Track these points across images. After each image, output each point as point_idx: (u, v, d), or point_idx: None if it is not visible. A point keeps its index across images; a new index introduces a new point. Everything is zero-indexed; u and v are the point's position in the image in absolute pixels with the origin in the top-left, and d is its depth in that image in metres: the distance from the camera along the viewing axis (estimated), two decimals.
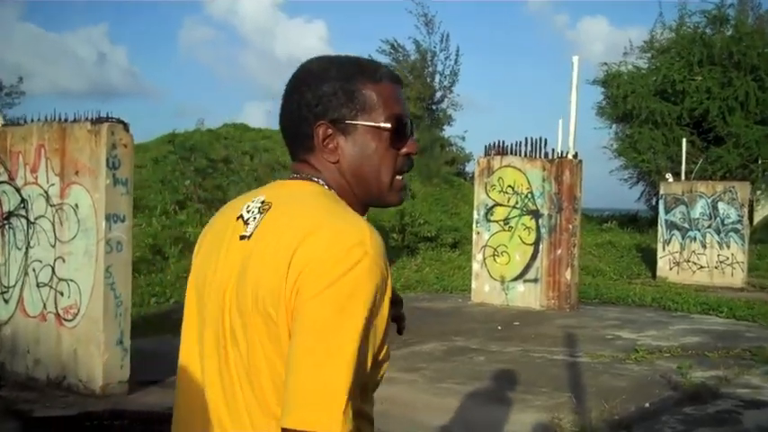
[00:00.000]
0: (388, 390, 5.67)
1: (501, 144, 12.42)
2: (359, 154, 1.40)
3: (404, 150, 1.45)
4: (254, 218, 1.35)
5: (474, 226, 12.67)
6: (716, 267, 16.58)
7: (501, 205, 12.21)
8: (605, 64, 31.39)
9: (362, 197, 1.43)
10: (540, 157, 11.94)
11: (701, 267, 16.73)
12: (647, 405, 6.41)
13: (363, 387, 1.26)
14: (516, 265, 12.00)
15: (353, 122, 1.39)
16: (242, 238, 1.34)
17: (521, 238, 11.99)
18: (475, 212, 12.64)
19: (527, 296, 11.86)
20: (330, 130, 1.39)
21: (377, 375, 1.32)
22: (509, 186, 12.10)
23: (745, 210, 16.48)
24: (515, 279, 11.99)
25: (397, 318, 1.53)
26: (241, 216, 1.38)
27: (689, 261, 16.89)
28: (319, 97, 1.38)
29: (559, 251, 11.56)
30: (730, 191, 16.55)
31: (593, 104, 31.82)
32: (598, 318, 10.98)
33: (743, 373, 7.56)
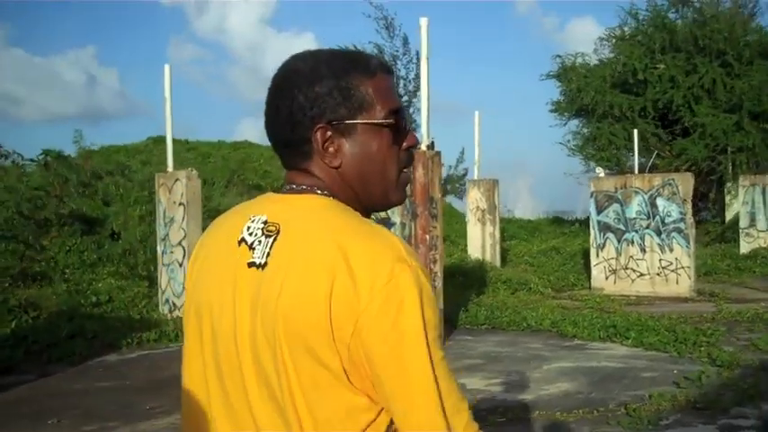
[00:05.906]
0: None
1: None
2: (361, 155, 1.27)
3: (404, 145, 1.32)
4: (260, 241, 1.22)
5: None
6: (658, 274, 14.05)
7: None
8: (559, 56, 28.96)
9: (367, 201, 1.31)
10: None
11: (641, 275, 14.21)
12: None
13: None
14: None
15: (353, 122, 1.26)
16: (251, 265, 1.22)
17: None
18: None
19: None
20: (329, 133, 1.25)
21: None
22: None
23: (689, 206, 13.89)
24: None
25: None
26: (243, 240, 1.25)
27: (626, 268, 14.37)
28: (313, 99, 1.23)
29: None
30: (670, 184, 13.97)
31: (548, 100, 29.36)
32: (462, 354, 8.42)
33: None
